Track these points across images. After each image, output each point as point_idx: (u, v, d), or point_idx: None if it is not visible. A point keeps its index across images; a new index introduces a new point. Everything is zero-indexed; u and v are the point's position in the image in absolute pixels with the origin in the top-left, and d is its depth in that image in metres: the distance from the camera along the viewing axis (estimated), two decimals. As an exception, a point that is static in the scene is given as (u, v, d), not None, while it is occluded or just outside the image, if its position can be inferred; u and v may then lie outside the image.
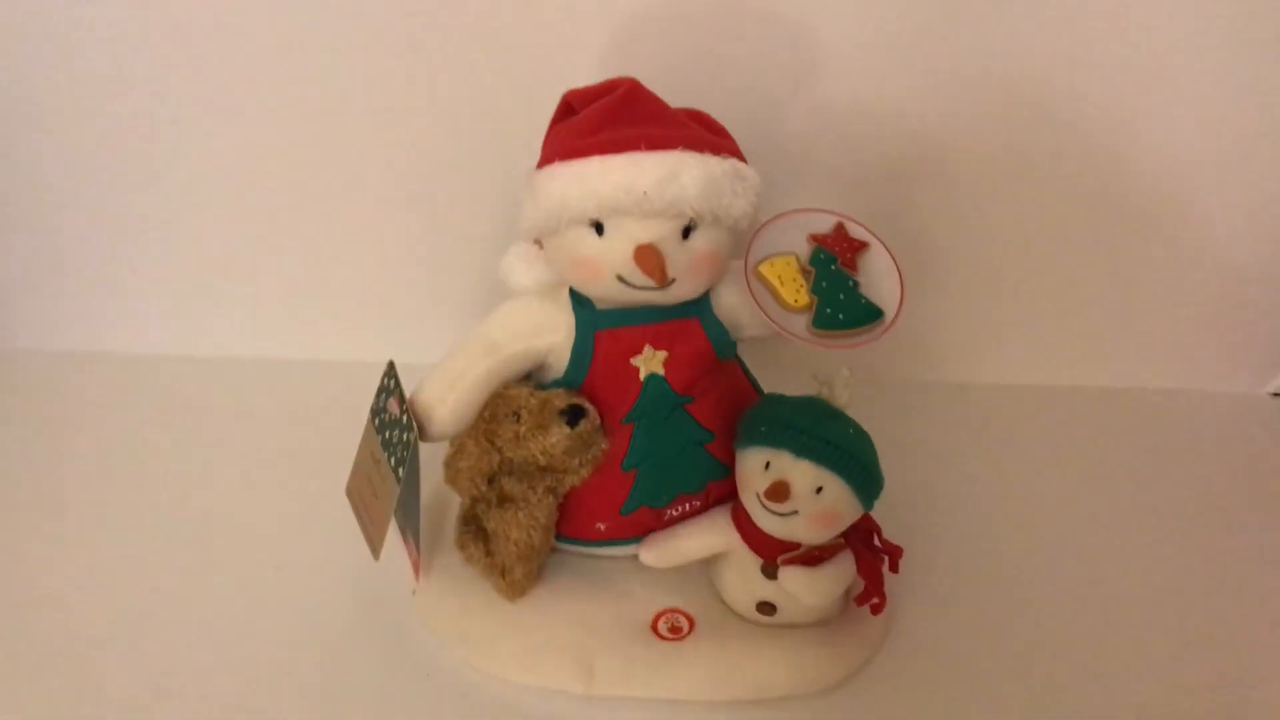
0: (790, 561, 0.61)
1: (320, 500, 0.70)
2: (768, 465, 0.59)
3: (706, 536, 0.65)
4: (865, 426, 0.61)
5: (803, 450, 0.58)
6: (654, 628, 0.65)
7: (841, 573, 0.62)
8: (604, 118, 0.57)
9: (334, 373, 0.86)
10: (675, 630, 0.65)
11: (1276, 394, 0.92)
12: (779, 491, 0.58)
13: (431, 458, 0.64)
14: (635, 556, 0.68)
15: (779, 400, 0.63)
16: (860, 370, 0.63)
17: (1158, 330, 0.90)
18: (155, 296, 0.90)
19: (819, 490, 0.58)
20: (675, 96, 0.62)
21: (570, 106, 0.61)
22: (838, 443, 0.58)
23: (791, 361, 0.66)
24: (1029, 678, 0.64)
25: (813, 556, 0.61)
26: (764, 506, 0.59)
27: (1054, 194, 0.83)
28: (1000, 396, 0.90)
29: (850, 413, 0.62)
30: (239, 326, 0.91)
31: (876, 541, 0.64)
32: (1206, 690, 0.63)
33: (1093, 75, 0.77)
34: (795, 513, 0.59)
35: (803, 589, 0.61)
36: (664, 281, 0.57)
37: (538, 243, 0.64)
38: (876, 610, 0.64)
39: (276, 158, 0.82)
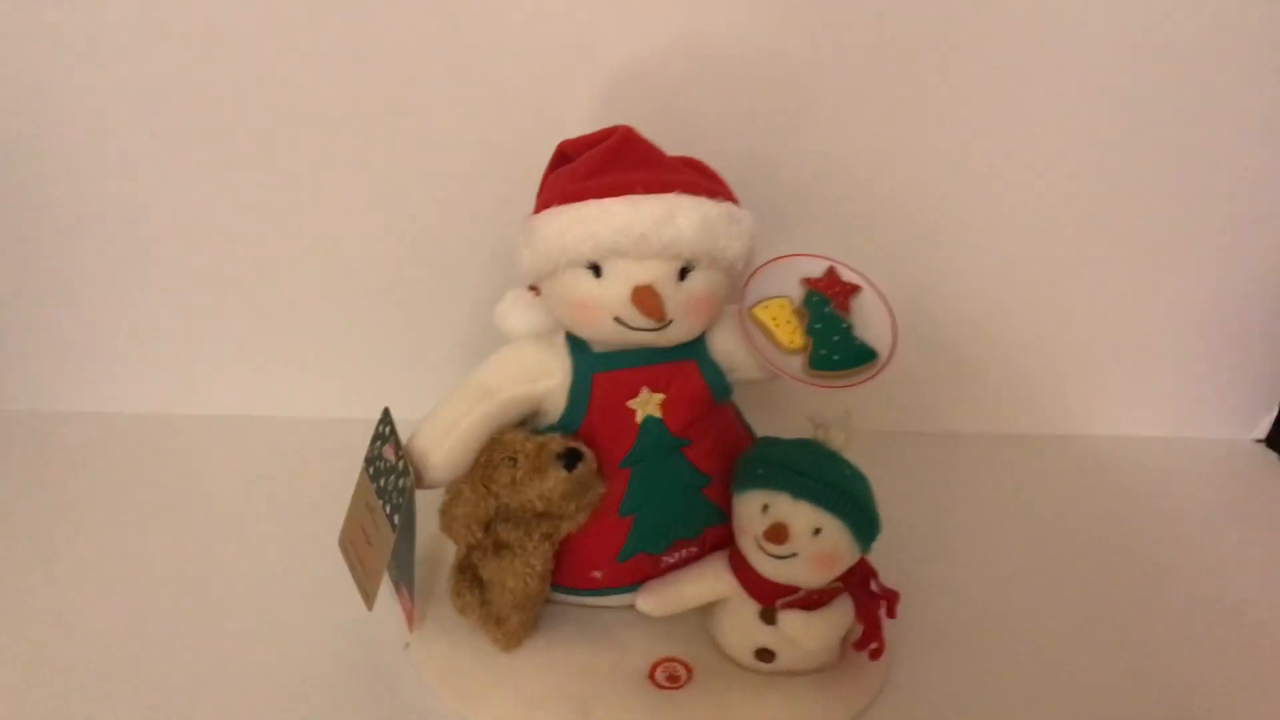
0: (789, 606, 0.61)
1: (312, 555, 0.69)
2: (765, 508, 0.59)
3: (704, 583, 0.65)
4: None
5: (801, 492, 0.58)
6: (651, 677, 0.65)
7: (840, 617, 0.61)
8: (601, 163, 0.59)
9: (324, 430, 0.86)
10: (673, 679, 0.64)
11: (1261, 440, 0.92)
12: (778, 534, 0.58)
13: (424, 508, 0.64)
14: (632, 605, 0.67)
15: (775, 443, 0.63)
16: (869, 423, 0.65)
17: (1144, 378, 0.91)
18: (147, 356, 0.90)
19: (817, 532, 0.58)
20: (666, 145, 0.63)
21: (565, 155, 0.62)
22: (836, 484, 0.58)
23: (784, 403, 0.66)
24: (1028, 714, 0.64)
25: (811, 600, 0.61)
26: (762, 549, 0.59)
27: (1037, 243, 0.84)
28: (989, 446, 0.91)
29: (847, 455, 0.62)
30: (229, 384, 0.91)
31: (874, 586, 0.64)
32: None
33: (1074, 121, 0.79)
34: (794, 555, 0.58)
35: (802, 633, 0.60)
36: (662, 320, 0.57)
37: (534, 289, 0.64)
38: (875, 655, 0.63)
39: (263, 209, 0.82)
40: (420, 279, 0.85)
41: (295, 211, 0.83)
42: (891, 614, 0.64)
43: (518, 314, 0.64)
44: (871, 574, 0.64)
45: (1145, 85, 0.78)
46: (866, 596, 0.63)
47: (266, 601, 0.70)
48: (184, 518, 0.79)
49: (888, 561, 0.65)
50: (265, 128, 0.79)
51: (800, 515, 0.58)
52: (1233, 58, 0.76)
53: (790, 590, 0.61)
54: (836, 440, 0.60)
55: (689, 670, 0.65)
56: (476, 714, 0.62)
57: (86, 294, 0.87)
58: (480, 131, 0.78)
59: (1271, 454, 0.91)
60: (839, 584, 0.62)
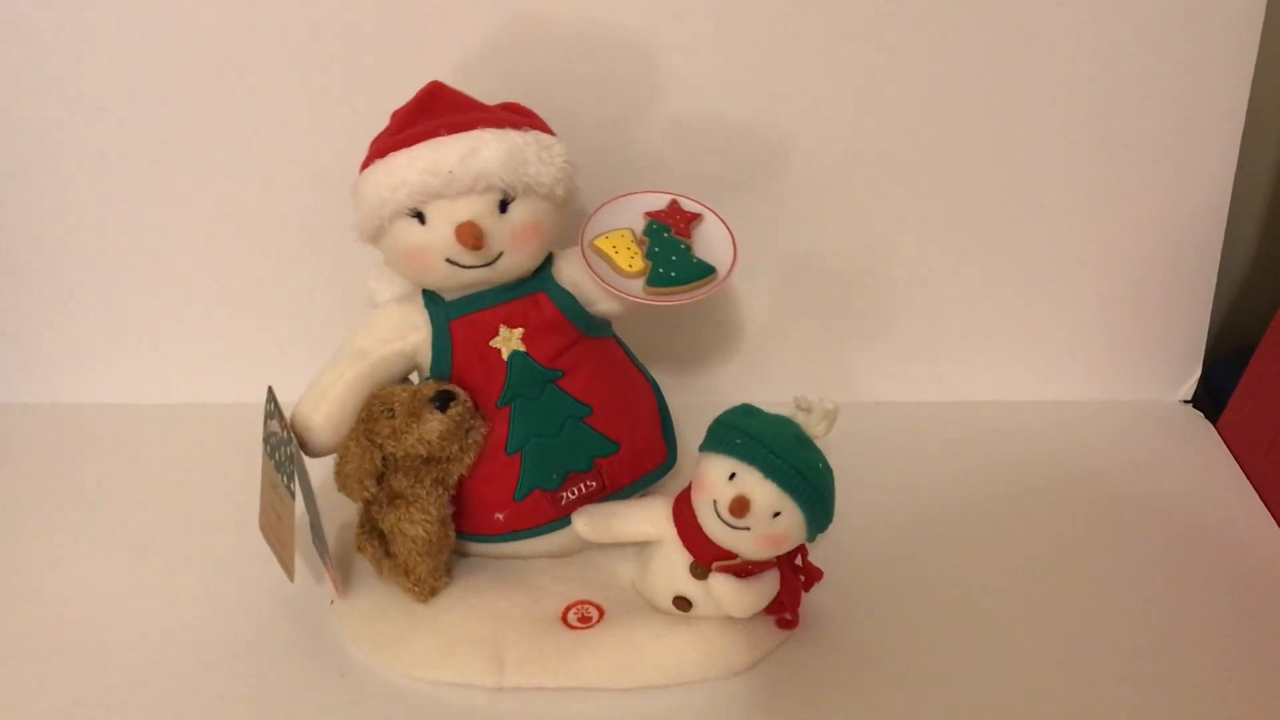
0: (723, 570, 0.61)
1: (240, 530, 0.71)
2: (733, 476, 0.59)
3: (642, 524, 0.66)
4: None
5: (773, 472, 0.58)
6: (564, 618, 0.66)
7: (767, 590, 0.62)
8: (408, 117, 0.62)
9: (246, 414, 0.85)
10: (585, 620, 0.66)
11: (1187, 401, 0.93)
12: (741, 507, 0.58)
13: (332, 490, 0.66)
14: (545, 554, 0.69)
15: (756, 413, 0.62)
16: (769, 393, 0.66)
17: (1069, 341, 0.89)
18: (56, 345, 0.91)
19: (776, 515, 0.58)
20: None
21: (391, 118, 0.65)
22: (807, 474, 0.58)
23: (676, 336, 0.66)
24: (934, 664, 0.64)
25: (745, 570, 0.61)
26: (718, 516, 0.59)
27: (956, 207, 0.84)
28: (909, 413, 0.89)
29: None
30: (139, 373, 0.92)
31: (799, 560, 0.65)
32: (1110, 678, 0.63)
33: (988, 86, 0.79)
34: (748, 529, 0.59)
35: (729, 599, 0.61)
36: (480, 246, 0.59)
37: None
38: (786, 625, 0.64)
39: (148, 204, 0.84)
40: (303, 251, 0.86)
41: (172, 203, 0.84)
42: (807, 589, 0.65)
43: (383, 285, 0.67)
44: (802, 550, 0.65)
45: (1065, 43, 0.78)
46: (791, 571, 0.64)
47: (200, 570, 0.73)
48: (119, 501, 0.81)
49: None
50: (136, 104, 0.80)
51: (766, 494, 0.58)
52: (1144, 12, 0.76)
53: (729, 556, 0.61)
54: (818, 428, 0.60)
55: (601, 612, 0.66)
56: (393, 661, 0.64)
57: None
58: (340, 108, 0.79)
59: (1198, 414, 0.89)
60: (773, 559, 0.62)
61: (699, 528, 0.61)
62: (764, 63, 0.78)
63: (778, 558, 0.62)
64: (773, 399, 0.63)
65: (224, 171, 0.83)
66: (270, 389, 0.64)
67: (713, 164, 0.81)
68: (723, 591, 0.61)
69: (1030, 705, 0.62)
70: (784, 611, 0.64)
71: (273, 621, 0.68)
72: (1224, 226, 0.84)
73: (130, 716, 0.62)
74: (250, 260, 0.87)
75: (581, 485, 0.68)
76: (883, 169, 0.82)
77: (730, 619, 0.63)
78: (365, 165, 0.63)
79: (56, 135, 0.82)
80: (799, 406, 0.60)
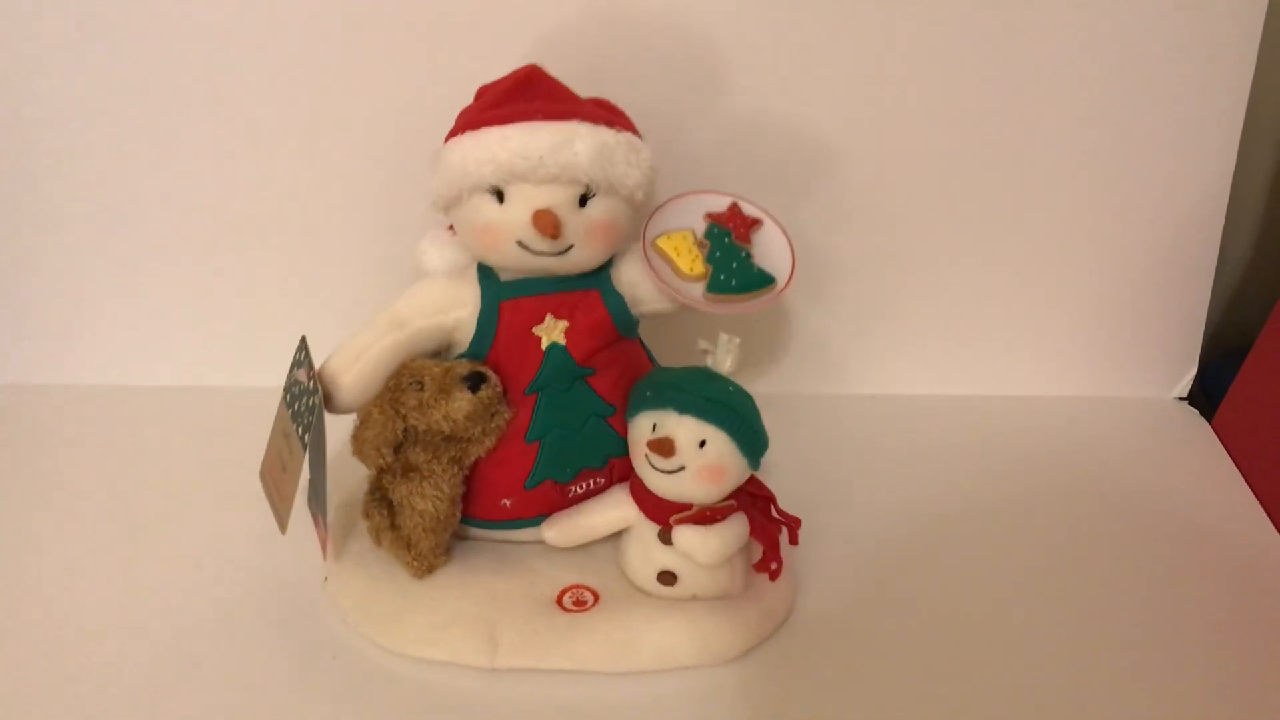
0: (682, 521, 0.63)
1: (235, 510, 0.73)
2: (654, 427, 0.61)
3: (607, 512, 0.67)
4: (777, 438, 0.64)
5: (684, 407, 0.60)
6: (559, 602, 0.66)
7: (733, 534, 0.63)
8: (505, 95, 0.62)
9: (249, 397, 0.84)
10: (579, 603, 0.66)
11: (1182, 398, 0.93)
12: (663, 447, 0.60)
13: (343, 454, 0.66)
14: (541, 542, 0.69)
15: (663, 370, 0.65)
16: (773, 385, 0.64)
17: (1064, 338, 0.91)
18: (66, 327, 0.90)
19: (702, 444, 0.60)
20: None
21: (480, 94, 0.65)
22: (717, 398, 0.60)
23: (693, 340, 0.67)
24: (927, 656, 0.65)
25: (704, 517, 0.63)
26: (652, 466, 0.61)
27: (954, 203, 0.85)
28: (905, 407, 0.91)
29: (742, 380, 0.64)
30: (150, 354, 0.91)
31: (774, 512, 0.66)
32: (1102, 681, 0.64)
33: (993, 88, 0.80)
34: (682, 468, 0.61)
35: (695, 548, 0.62)
36: (557, 236, 0.59)
37: (451, 229, 0.67)
38: (774, 575, 0.65)
39: (194, 182, 0.84)
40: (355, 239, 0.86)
41: (224, 180, 0.84)
42: (793, 540, 0.67)
43: (435, 252, 0.67)
44: (771, 499, 0.66)
45: (1065, 42, 0.79)
46: (766, 520, 0.66)
47: (193, 550, 0.72)
48: (117, 480, 0.80)
49: (807, 510, 0.67)
50: (168, 84, 0.80)
51: (685, 428, 0.60)
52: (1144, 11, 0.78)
53: (685, 508, 0.62)
54: (723, 362, 0.62)
55: (596, 596, 0.67)
56: (386, 639, 0.64)
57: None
58: (407, 87, 0.79)
59: (1194, 411, 0.91)
60: (732, 503, 0.63)
61: (651, 493, 0.63)
62: (778, 54, 0.79)
63: (743, 504, 0.64)
64: (773, 391, 0.64)
65: (236, 155, 0.83)
66: (303, 339, 0.63)
67: (728, 155, 0.82)
68: (687, 543, 0.62)
69: (1024, 698, 0.62)
70: (770, 563, 0.65)
71: (264, 601, 0.67)
72: (1222, 224, 0.85)
73: (122, 696, 0.61)
74: (256, 243, 0.86)
75: (591, 481, 0.68)
76: (881, 165, 0.84)
77: (725, 602, 0.65)
78: (452, 135, 0.62)
79: (64, 103, 0.80)
80: (701, 348, 0.63)
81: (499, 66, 0.65)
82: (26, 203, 0.85)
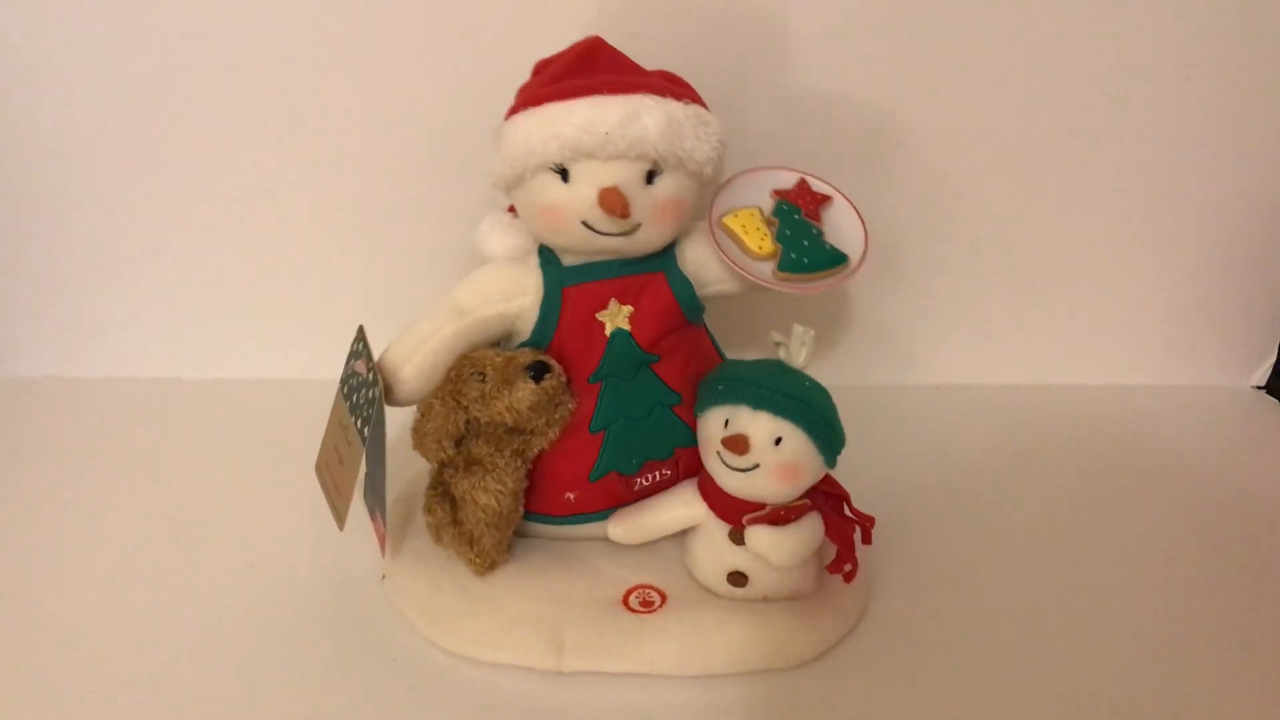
0: (756, 522, 0.60)
1: (291, 505, 0.71)
2: (726, 423, 0.59)
3: (675, 510, 0.65)
4: (849, 429, 0.61)
5: (759, 402, 0.58)
6: (625, 603, 0.64)
7: (808, 534, 0.60)
8: (568, 68, 0.59)
9: (301, 390, 0.85)
10: (647, 604, 0.64)
11: (1260, 387, 0.91)
12: (738, 444, 0.57)
13: (401, 449, 0.65)
14: (606, 536, 0.67)
15: (735, 363, 0.63)
16: (840, 375, 0.64)
17: (1141, 326, 0.90)
18: (126, 320, 0.90)
19: (778, 442, 0.57)
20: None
21: (539, 70, 0.62)
22: (793, 393, 0.58)
23: (759, 326, 0.65)
24: (1003, 659, 0.63)
25: (778, 517, 0.60)
26: (725, 464, 0.59)
27: (1030, 189, 0.84)
28: (981, 396, 0.90)
29: (813, 373, 0.61)
30: (205, 348, 0.91)
31: (848, 511, 0.63)
32: (1185, 682, 0.61)
33: (1065, 68, 0.78)
34: (756, 466, 0.58)
35: (769, 548, 0.59)
36: (626, 215, 0.56)
37: (512, 210, 0.64)
38: (849, 577, 0.62)
39: (241, 172, 0.83)
40: (409, 218, 0.85)
41: (274, 168, 0.83)
42: (867, 540, 0.64)
43: (496, 236, 0.64)
44: (844, 497, 0.63)
45: (1152, 25, 0.77)
46: (839, 518, 0.63)
47: (248, 547, 0.71)
48: (169, 475, 0.79)
49: (878, 507, 0.65)
50: (228, 85, 0.80)
51: (760, 425, 0.57)
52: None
53: (757, 507, 0.60)
54: (797, 356, 0.59)
55: (663, 596, 0.64)
56: (449, 641, 0.62)
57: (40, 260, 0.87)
58: (455, 68, 0.78)
59: (1272, 400, 0.90)
60: (806, 501, 0.60)
61: (722, 491, 0.60)
62: (849, 33, 0.77)
63: (818, 503, 0.61)
64: (844, 382, 0.62)
65: (290, 144, 0.82)
66: (361, 328, 0.61)
67: (786, 135, 0.79)
68: (762, 543, 0.60)
69: (1112, 699, 0.60)
70: (845, 564, 0.62)
71: (321, 601, 0.66)
72: (1301, 211, 0.83)
73: (177, 696, 0.59)
74: (309, 231, 0.86)
75: (658, 473, 0.66)
76: (948, 148, 0.82)
77: (796, 604, 0.62)
78: (513, 112, 0.59)
79: (111, 94, 0.80)
80: (775, 341, 0.60)
81: (554, 42, 0.63)
82: (97, 195, 0.84)
